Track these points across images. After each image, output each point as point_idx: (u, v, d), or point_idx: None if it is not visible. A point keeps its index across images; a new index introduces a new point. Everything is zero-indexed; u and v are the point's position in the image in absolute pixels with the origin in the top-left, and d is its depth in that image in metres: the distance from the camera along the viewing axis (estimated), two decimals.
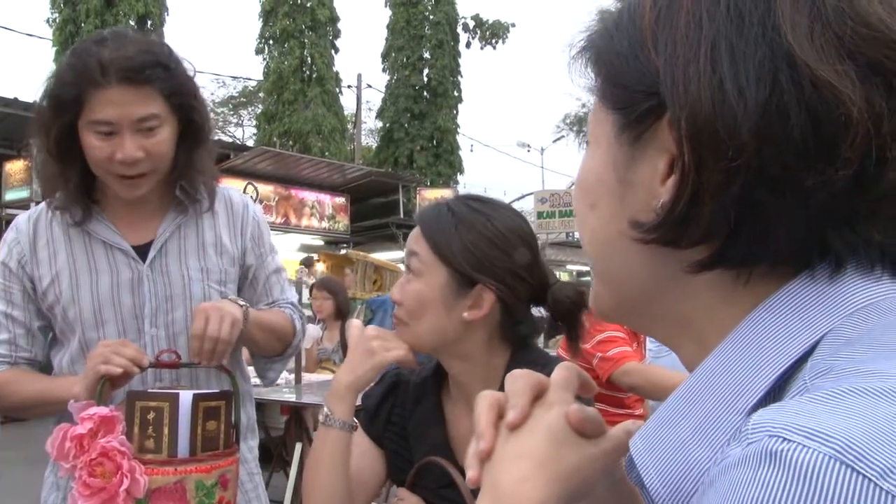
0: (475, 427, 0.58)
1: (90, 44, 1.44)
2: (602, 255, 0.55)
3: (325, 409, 1.23)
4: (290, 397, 4.53)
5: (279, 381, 4.71)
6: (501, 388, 0.62)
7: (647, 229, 0.48)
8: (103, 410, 1.28)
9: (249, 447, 1.71)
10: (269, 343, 1.68)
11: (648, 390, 2.95)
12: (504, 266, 1.18)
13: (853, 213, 0.44)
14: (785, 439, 0.35)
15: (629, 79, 0.49)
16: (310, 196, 13.17)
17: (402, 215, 14.05)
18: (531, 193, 17.27)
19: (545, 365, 1.21)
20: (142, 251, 1.57)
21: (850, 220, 0.45)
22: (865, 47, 0.42)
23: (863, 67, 0.42)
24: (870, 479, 0.33)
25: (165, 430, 1.28)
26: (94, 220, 1.55)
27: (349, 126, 22.57)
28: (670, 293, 0.51)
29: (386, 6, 22.66)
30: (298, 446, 3.04)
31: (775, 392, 0.44)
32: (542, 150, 30.80)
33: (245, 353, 1.78)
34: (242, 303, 1.52)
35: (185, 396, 1.31)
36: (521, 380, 0.60)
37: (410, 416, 1.31)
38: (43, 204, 1.61)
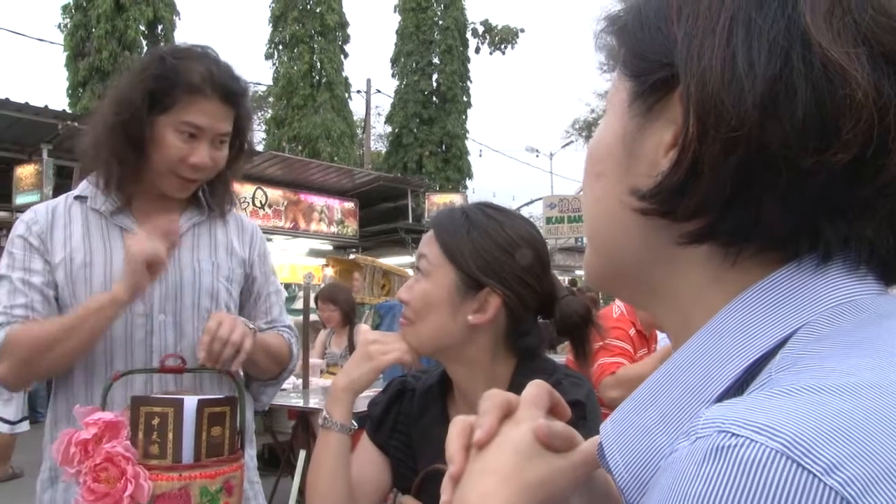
0: (447, 452, 0.59)
1: (195, 55, 1.57)
2: (601, 224, 0.56)
3: (324, 412, 1.24)
4: (298, 402, 4.53)
5: (287, 386, 4.71)
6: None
7: (644, 195, 0.48)
8: (108, 415, 1.28)
9: (250, 455, 1.74)
10: (268, 366, 1.73)
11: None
12: (512, 272, 1.18)
13: (849, 205, 0.45)
14: (733, 434, 0.35)
15: (648, 48, 0.50)
16: (319, 201, 13.18)
17: (410, 220, 14.04)
18: (540, 199, 17.27)
19: (552, 373, 1.20)
20: None
21: (844, 211, 0.45)
22: (882, 36, 0.43)
23: (877, 55, 0.43)
24: (815, 475, 0.33)
25: (170, 436, 1.28)
26: (119, 212, 1.62)
27: (358, 131, 22.61)
28: (662, 269, 0.52)
29: (395, 11, 22.74)
30: (303, 453, 3.04)
31: (744, 382, 0.44)
32: (551, 155, 30.77)
33: None
34: (251, 326, 1.56)
35: (190, 402, 1.31)
36: (489, 400, 0.61)
37: (415, 424, 1.30)
38: (61, 197, 1.67)
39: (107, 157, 1.57)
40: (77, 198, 1.64)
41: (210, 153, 1.57)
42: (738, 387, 0.44)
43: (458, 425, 0.60)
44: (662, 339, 3.95)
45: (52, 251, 1.58)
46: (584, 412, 1.12)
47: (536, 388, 0.63)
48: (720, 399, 0.44)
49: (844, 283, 0.46)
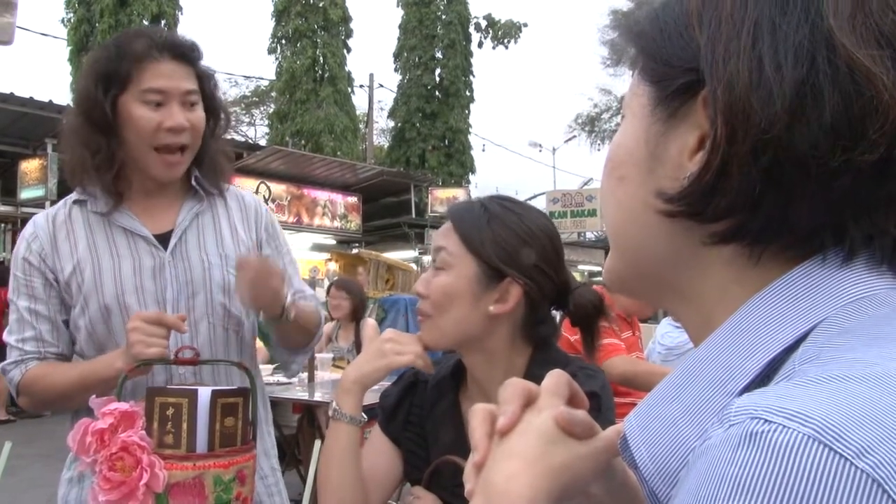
0: (471, 440, 0.60)
1: (132, 33, 1.59)
2: (624, 227, 0.57)
3: (334, 403, 1.25)
4: (303, 395, 4.54)
5: (292, 379, 4.72)
6: None
7: (673, 198, 0.49)
8: (123, 406, 1.29)
9: (273, 443, 1.77)
10: (300, 334, 1.72)
11: (640, 381, 2.94)
12: (532, 262, 1.20)
13: (874, 203, 0.45)
14: (766, 420, 0.36)
15: (670, 54, 0.50)
16: (322, 195, 13.20)
17: (413, 215, 14.04)
18: (543, 193, 17.29)
19: (566, 364, 1.22)
20: (161, 240, 1.61)
21: (869, 209, 0.46)
22: None
23: None
24: (846, 458, 0.34)
25: (184, 426, 1.29)
26: (116, 210, 1.59)
27: (361, 126, 22.59)
28: (686, 269, 0.53)
29: (398, 6, 22.67)
30: (317, 444, 3.04)
31: (766, 376, 0.45)
32: (554, 150, 30.64)
33: (262, 353, 1.80)
34: (290, 295, 1.56)
35: (204, 392, 1.32)
36: (510, 388, 0.62)
37: (428, 416, 1.31)
38: (60, 202, 1.65)
39: (80, 152, 1.55)
40: (77, 202, 1.61)
41: (185, 115, 1.54)
42: (761, 380, 0.45)
43: (479, 414, 0.61)
44: (662, 327, 3.95)
45: (61, 265, 1.56)
46: (599, 403, 1.14)
47: (556, 378, 0.64)
48: (744, 392, 0.45)
49: (862, 278, 0.46)
